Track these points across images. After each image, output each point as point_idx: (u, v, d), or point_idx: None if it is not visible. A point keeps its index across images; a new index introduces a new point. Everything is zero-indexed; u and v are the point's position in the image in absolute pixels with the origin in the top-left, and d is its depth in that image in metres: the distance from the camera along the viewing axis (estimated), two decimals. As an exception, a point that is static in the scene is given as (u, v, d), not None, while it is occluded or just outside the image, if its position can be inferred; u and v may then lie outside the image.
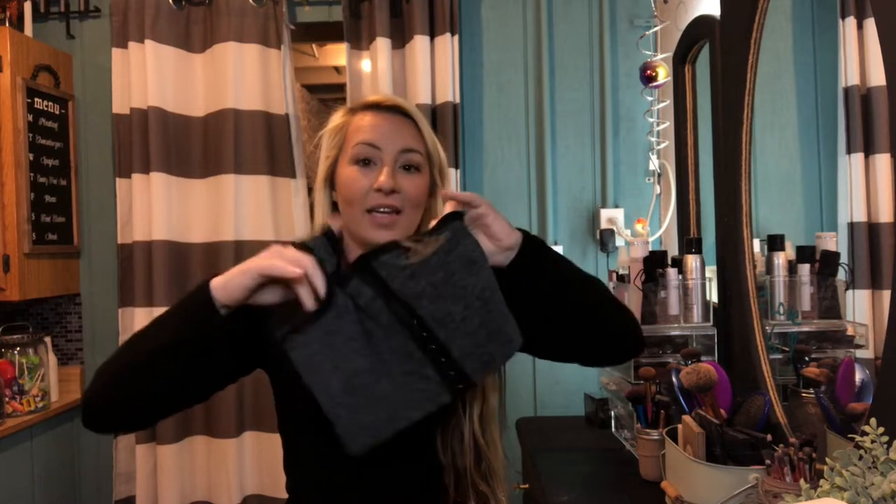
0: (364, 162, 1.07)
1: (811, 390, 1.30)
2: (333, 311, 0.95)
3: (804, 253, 1.42)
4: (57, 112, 2.58)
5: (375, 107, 1.12)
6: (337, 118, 1.15)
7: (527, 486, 1.93)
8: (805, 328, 1.41)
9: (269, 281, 0.93)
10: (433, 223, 1.03)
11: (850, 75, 1.29)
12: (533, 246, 1.06)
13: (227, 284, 0.94)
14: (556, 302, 1.06)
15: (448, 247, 1.00)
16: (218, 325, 0.94)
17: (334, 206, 1.12)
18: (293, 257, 0.92)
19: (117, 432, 1.10)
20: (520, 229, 1.07)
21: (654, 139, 2.37)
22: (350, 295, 0.97)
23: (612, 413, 1.96)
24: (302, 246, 0.98)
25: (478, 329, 0.98)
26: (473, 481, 1.11)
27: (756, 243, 1.57)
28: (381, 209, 1.04)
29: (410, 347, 0.97)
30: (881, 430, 0.84)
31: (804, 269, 1.41)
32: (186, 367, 0.97)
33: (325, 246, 1.04)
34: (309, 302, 0.92)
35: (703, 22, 1.86)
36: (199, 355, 0.97)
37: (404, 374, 0.96)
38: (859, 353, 1.28)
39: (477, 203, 1.02)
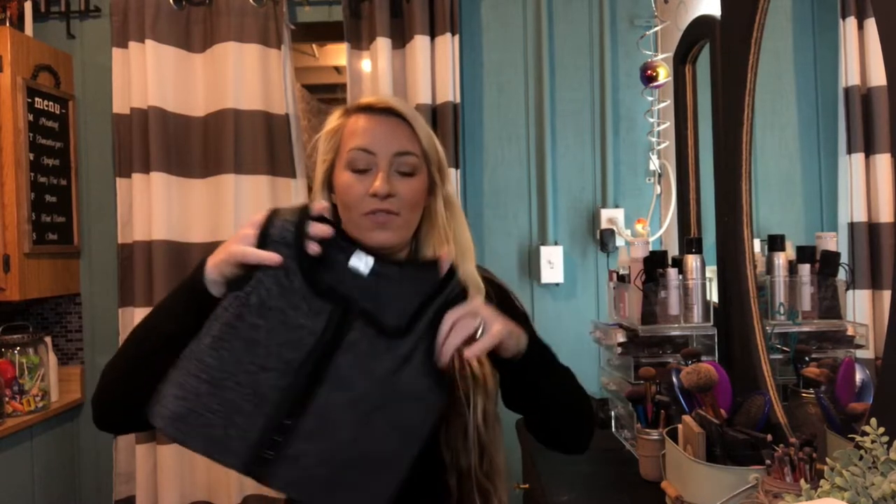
0: (359, 168, 1.07)
1: (811, 390, 1.30)
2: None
3: (804, 253, 1.42)
4: (57, 112, 2.58)
5: (368, 109, 1.11)
6: (332, 121, 1.14)
7: (527, 486, 1.93)
8: (805, 328, 1.41)
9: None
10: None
11: (850, 75, 1.29)
12: (535, 357, 1.06)
13: (217, 266, 0.94)
14: (543, 409, 1.09)
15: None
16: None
17: (334, 209, 1.11)
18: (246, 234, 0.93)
19: (129, 431, 1.13)
20: (525, 326, 1.05)
21: (654, 139, 2.37)
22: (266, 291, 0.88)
23: (612, 413, 1.96)
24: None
25: (335, 465, 0.88)
26: (477, 479, 1.10)
27: (756, 243, 1.57)
28: (378, 211, 1.04)
29: (271, 396, 0.87)
30: (881, 430, 0.84)
31: (804, 269, 1.41)
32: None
33: (290, 244, 0.93)
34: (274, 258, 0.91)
35: (703, 22, 1.86)
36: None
37: (233, 409, 0.86)
38: (859, 353, 1.28)
39: (470, 315, 0.96)
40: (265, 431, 0.86)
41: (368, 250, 0.96)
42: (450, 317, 0.92)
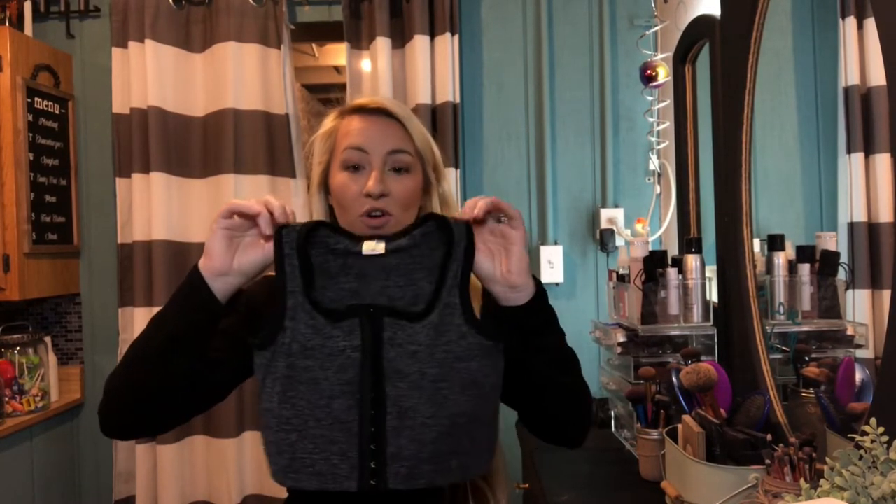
0: (353, 167, 1.08)
1: (811, 390, 1.30)
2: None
3: (804, 253, 1.42)
4: (57, 112, 2.57)
5: (362, 110, 1.12)
6: (327, 123, 1.15)
7: (527, 486, 1.93)
8: (805, 328, 1.41)
9: (245, 237, 0.97)
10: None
11: (850, 75, 1.29)
12: (543, 308, 1.03)
13: (208, 253, 0.96)
14: (542, 378, 1.04)
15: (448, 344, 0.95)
16: (214, 307, 0.97)
17: (331, 211, 1.13)
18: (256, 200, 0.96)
19: (137, 437, 1.15)
20: (535, 278, 1.04)
21: (654, 139, 2.37)
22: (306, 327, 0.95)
23: (612, 413, 1.96)
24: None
25: (432, 442, 0.93)
26: (472, 480, 1.11)
27: (756, 243, 1.57)
28: (373, 213, 1.05)
29: (350, 417, 0.93)
30: (881, 429, 0.84)
31: (804, 269, 1.41)
32: (190, 357, 0.98)
33: (297, 281, 0.98)
34: (266, 227, 0.95)
35: (703, 22, 1.86)
36: (200, 342, 0.98)
37: (326, 441, 0.93)
38: (859, 353, 1.28)
39: (513, 218, 1.00)
40: (361, 447, 0.93)
41: (373, 237, 0.99)
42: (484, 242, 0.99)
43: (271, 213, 0.97)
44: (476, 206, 0.98)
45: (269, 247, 0.96)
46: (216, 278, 0.96)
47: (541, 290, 1.04)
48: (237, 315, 1.05)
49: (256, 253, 0.98)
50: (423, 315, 0.95)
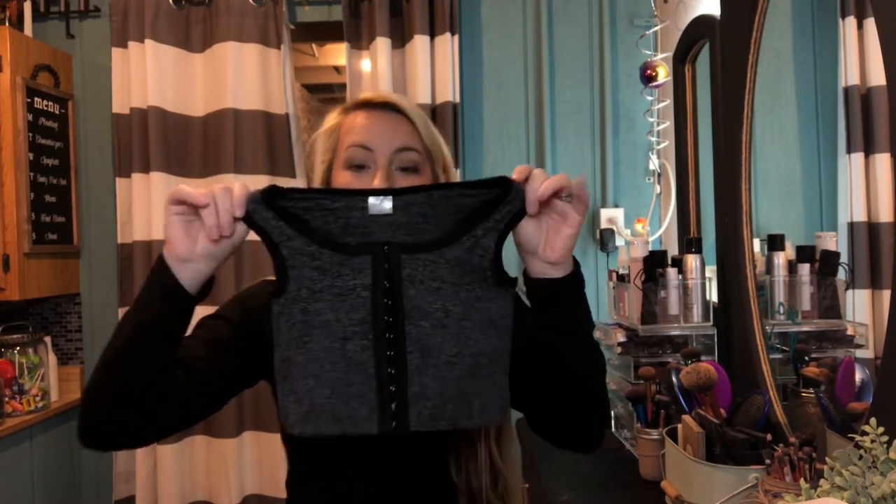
0: (358, 167, 1.02)
1: (811, 390, 1.30)
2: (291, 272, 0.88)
3: (804, 253, 1.42)
4: (57, 112, 2.57)
5: (367, 105, 1.06)
6: (330, 119, 1.09)
7: (527, 485, 1.93)
8: (805, 328, 1.41)
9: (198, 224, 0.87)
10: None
11: (850, 75, 1.29)
12: (578, 288, 0.95)
13: (168, 240, 0.87)
14: (567, 365, 0.96)
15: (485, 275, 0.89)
16: (181, 294, 0.87)
17: None
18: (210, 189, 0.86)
19: (116, 447, 1.01)
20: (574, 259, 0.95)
21: (654, 139, 2.37)
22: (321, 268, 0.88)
23: (612, 413, 1.96)
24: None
25: (456, 381, 0.88)
26: (489, 501, 1.07)
27: (756, 243, 1.57)
28: None
29: (365, 358, 0.88)
30: (881, 429, 0.84)
31: (804, 269, 1.41)
32: (161, 352, 0.89)
33: (283, 230, 0.89)
34: (212, 232, 0.85)
35: (703, 22, 1.86)
36: (170, 334, 0.90)
37: (343, 384, 0.88)
38: (859, 353, 1.28)
39: (580, 200, 0.88)
40: (381, 388, 0.87)
41: (378, 192, 0.90)
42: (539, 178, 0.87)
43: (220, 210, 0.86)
44: (540, 184, 0.86)
45: (239, 228, 0.88)
46: (181, 265, 0.87)
47: (578, 271, 0.95)
48: (230, 324, 0.99)
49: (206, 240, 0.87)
50: (444, 245, 0.88)
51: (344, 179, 1.01)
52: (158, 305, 0.88)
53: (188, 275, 0.87)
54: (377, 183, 0.99)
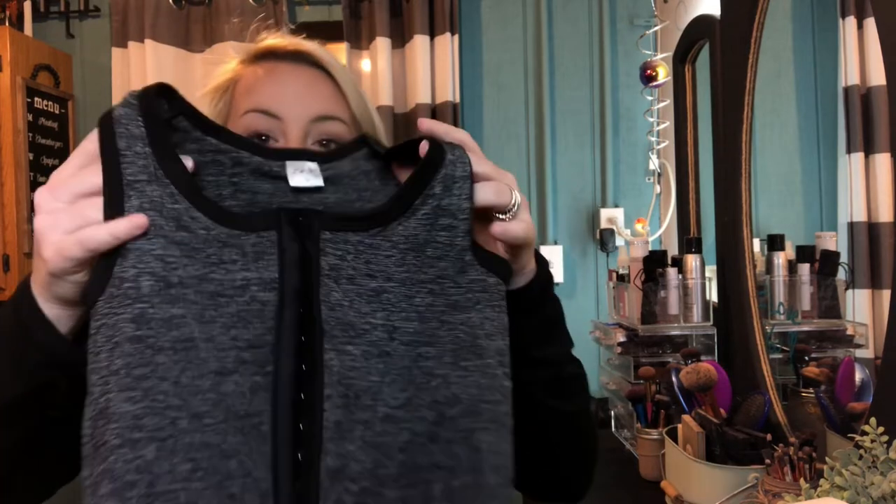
0: (261, 138, 0.73)
1: (811, 390, 1.30)
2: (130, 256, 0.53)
3: (804, 253, 1.42)
4: (57, 112, 2.57)
5: (272, 54, 0.77)
6: (222, 73, 0.79)
7: None
8: (805, 328, 1.41)
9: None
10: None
11: (850, 75, 1.29)
12: (544, 299, 0.71)
13: (53, 295, 0.57)
14: (538, 407, 0.71)
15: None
16: (76, 359, 0.55)
17: None
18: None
19: None
20: (540, 258, 0.70)
21: (654, 139, 2.37)
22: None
23: (612, 413, 1.96)
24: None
25: (403, 450, 0.54)
26: None
27: (756, 243, 1.57)
28: None
29: (256, 406, 0.52)
30: (881, 429, 0.84)
31: (804, 269, 1.41)
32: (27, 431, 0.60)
33: (142, 154, 0.55)
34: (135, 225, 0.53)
35: (703, 22, 1.86)
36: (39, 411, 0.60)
37: (216, 454, 0.51)
38: (859, 353, 1.28)
39: (472, 148, 0.63)
40: (276, 460, 0.52)
41: (296, 153, 0.62)
42: (483, 167, 0.61)
43: None
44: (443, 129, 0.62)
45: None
46: (53, 288, 0.56)
47: (544, 273, 0.69)
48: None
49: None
50: (390, 218, 0.57)
51: None
52: (28, 376, 0.58)
53: (69, 322, 0.58)
54: None
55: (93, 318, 0.53)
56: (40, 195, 0.55)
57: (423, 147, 0.60)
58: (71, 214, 0.54)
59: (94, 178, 0.55)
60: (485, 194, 0.61)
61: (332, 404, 0.54)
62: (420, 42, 2.44)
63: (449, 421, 0.56)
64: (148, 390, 0.51)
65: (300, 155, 0.61)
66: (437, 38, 2.47)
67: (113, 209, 0.53)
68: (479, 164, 0.61)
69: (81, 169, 0.56)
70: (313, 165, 0.60)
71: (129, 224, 0.53)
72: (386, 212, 0.57)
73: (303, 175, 0.59)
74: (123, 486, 0.49)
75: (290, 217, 0.56)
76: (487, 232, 0.62)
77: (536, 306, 0.69)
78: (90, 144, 0.56)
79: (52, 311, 0.57)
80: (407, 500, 0.54)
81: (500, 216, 0.62)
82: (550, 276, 0.71)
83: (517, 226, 0.62)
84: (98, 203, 0.54)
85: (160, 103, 0.57)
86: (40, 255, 0.54)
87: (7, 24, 2.52)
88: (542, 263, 0.70)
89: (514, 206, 0.62)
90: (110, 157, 0.54)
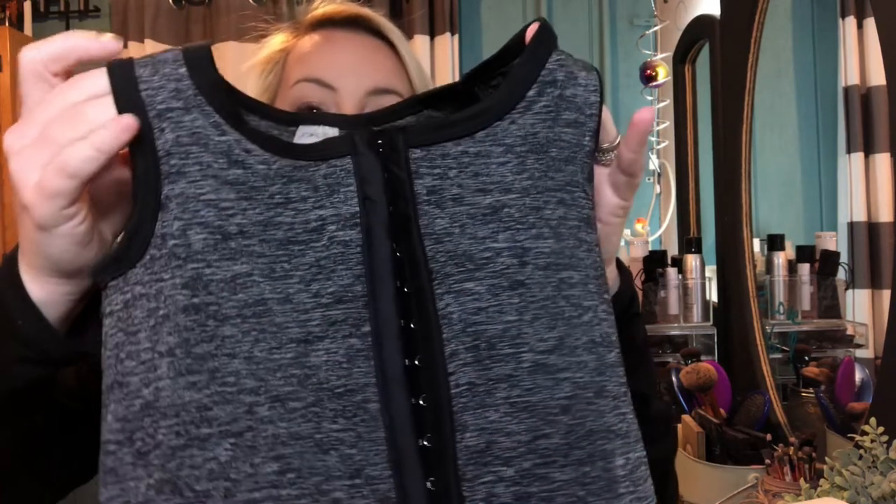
0: (310, 111, 0.66)
1: (811, 390, 1.30)
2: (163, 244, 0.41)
3: (804, 252, 1.42)
4: (57, 112, 2.57)
5: (328, 22, 0.71)
6: (273, 44, 0.74)
7: None
8: (805, 328, 1.41)
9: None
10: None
11: (850, 75, 1.29)
12: (631, 300, 0.59)
13: (44, 262, 0.43)
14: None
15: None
16: (64, 353, 0.46)
17: None
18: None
19: None
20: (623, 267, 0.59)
21: (653, 139, 2.37)
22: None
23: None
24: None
25: (565, 416, 0.41)
26: None
27: (756, 243, 1.57)
28: None
29: (359, 382, 0.40)
30: (881, 429, 0.84)
31: (804, 269, 1.41)
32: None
33: (178, 84, 0.42)
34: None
35: (703, 22, 1.86)
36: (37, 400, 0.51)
37: (309, 448, 0.39)
38: (859, 353, 1.28)
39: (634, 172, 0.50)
40: (397, 448, 0.40)
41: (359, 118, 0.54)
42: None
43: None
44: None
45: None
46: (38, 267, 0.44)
47: (630, 284, 0.58)
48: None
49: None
50: (493, 118, 0.45)
51: None
52: (10, 374, 0.47)
53: (59, 305, 0.45)
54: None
55: (120, 291, 0.41)
56: (8, 136, 0.43)
57: (531, 30, 0.47)
58: (45, 141, 0.41)
59: (74, 91, 0.42)
60: (612, 127, 0.49)
61: (459, 363, 0.41)
62: (420, 42, 2.44)
63: (611, 370, 0.43)
64: (214, 372, 0.39)
65: (352, 122, 0.50)
66: (437, 38, 2.47)
67: (140, 146, 0.41)
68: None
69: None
70: (332, 130, 0.48)
71: (116, 128, 0.40)
72: (492, 107, 0.44)
73: (313, 137, 0.48)
74: (194, 498, 0.38)
75: (366, 139, 0.43)
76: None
77: (624, 323, 0.52)
78: (86, 80, 0.42)
79: (42, 290, 0.44)
80: (586, 481, 0.40)
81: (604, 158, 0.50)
82: (636, 291, 0.61)
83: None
84: (92, 108, 0.41)
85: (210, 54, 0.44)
86: (24, 209, 0.41)
87: (7, 24, 2.51)
88: (626, 274, 0.59)
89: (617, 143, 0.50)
90: (125, 84, 0.41)
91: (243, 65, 0.74)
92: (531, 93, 0.45)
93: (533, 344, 0.41)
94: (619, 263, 0.56)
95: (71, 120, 0.41)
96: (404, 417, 0.40)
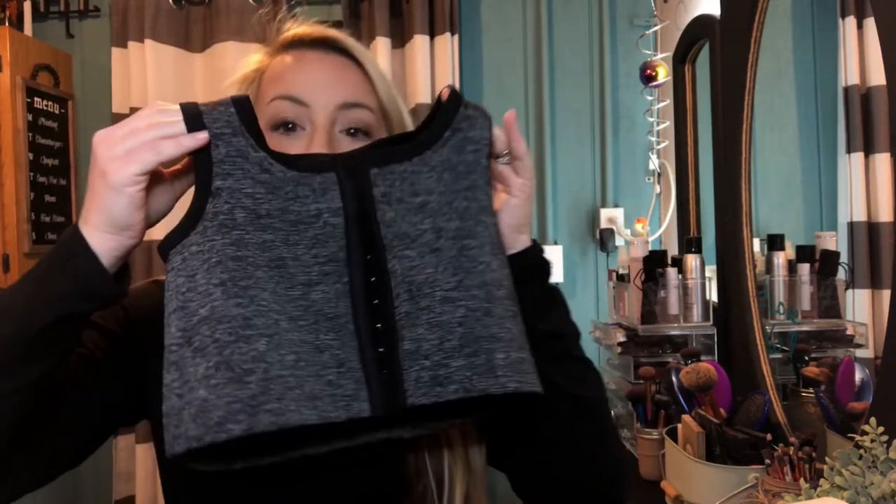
0: (287, 126, 0.75)
1: (811, 390, 1.30)
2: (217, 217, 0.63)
3: (804, 252, 1.42)
4: (57, 111, 2.57)
5: (299, 43, 0.80)
6: (249, 63, 0.84)
7: None
8: (805, 328, 1.41)
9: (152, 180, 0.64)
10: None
11: (850, 75, 1.29)
12: (540, 272, 0.75)
13: (104, 218, 0.62)
14: (551, 389, 0.68)
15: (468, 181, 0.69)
16: (104, 286, 0.62)
17: None
18: (143, 125, 0.62)
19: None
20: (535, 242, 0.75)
21: (653, 139, 2.37)
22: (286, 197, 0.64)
23: (612, 412, 1.96)
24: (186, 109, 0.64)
25: (461, 323, 0.64)
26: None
27: (756, 243, 1.57)
28: None
29: (341, 309, 0.64)
30: (881, 429, 0.84)
31: (804, 269, 1.41)
32: (42, 380, 0.62)
33: (229, 119, 0.65)
34: (169, 146, 0.62)
35: (703, 21, 1.86)
36: (65, 351, 0.65)
37: (311, 348, 0.62)
38: (859, 353, 1.28)
39: (520, 159, 0.73)
40: (364, 350, 0.63)
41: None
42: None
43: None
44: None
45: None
46: (106, 234, 0.63)
47: (538, 258, 0.74)
48: (106, 337, 0.73)
49: (167, 194, 0.68)
50: (424, 149, 0.69)
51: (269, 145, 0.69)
52: (59, 304, 0.60)
53: (109, 253, 0.62)
54: (316, 149, 0.72)
55: (178, 253, 0.64)
56: (101, 131, 0.62)
57: (445, 92, 0.72)
58: (133, 133, 0.61)
59: (173, 115, 0.63)
60: (501, 135, 0.73)
61: (400, 300, 0.65)
62: (420, 42, 2.44)
63: (498, 301, 0.66)
64: (253, 297, 0.61)
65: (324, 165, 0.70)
66: (437, 38, 2.47)
67: (201, 154, 0.64)
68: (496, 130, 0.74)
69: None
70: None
71: (194, 139, 0.62)
72: (422, 142, 0.69)
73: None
74: (243, 373, 0.58)
75: (344, 161, 0.68)
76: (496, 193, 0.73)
77: (536, 277, 0.74)
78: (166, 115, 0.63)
79: (97, 240, 0.62)
80: (472, 366, 0.63)
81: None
82: (546, 259, 0.76)
83: (525, 166, 0.73)
84: (174, 124, 0.63)
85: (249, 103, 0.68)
86: (102, 175, 0.60)
87: (7, 24, 2.52)
88: (535, 242, 0.76)
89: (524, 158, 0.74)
90: (192, 114, 0.64)
91: (224, 82, 0.88)
92: (447, 134, 0.70)
93: (442, 286, 0.65)
94: (534, 241, 0.76)
95: (156, 128, 0.61)
96: (369, 333, 0.64)
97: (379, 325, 0.64)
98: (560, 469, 0.75)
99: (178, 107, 0.64)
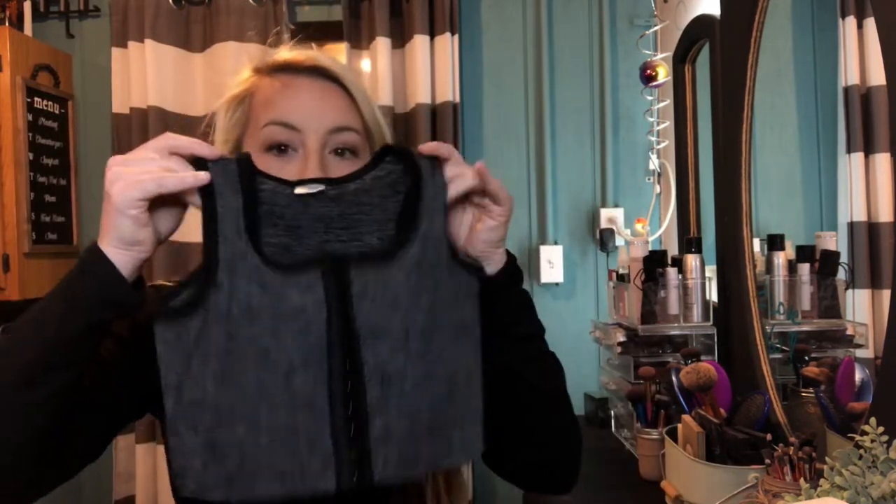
0: (280, 148, 0.81)
1: (811, 390, 1.30)
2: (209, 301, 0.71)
3: (804, 252, 1.42)
4: (57, 111, 2.57)
5: (289, 68, 0.84)
6: (239, 83, 0.86)
7: None
8: (805, 328, 1.41)
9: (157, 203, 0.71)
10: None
11: (850, 75, 1.29)
12: (515, 284, 0.83)
13: (115, 235, 0.69)
14: (520, 382, 0.82)
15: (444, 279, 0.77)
16: (126, 296, 0.70)
17: None
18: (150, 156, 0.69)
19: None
20: (508, 253, 0.84)
21: (653, 139, 2.37)
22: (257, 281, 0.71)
23: (612, 413, 1.96)
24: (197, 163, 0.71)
25: (429, 411, 0.74)
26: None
27: (756, 243, 1.57)
28: None
29: (317, 395, 0.71)
30: (881, 429, 0.84)
31: (804, 269, 1.41)
32: (70, 385, 0.70)
33: (230, 176, 0.72)
34: (173, 181, 0.69)
35: (703, 21, 1.86)
36: (88, 359, 0.72)
37: (287, 431, 0.70)
38: (859, 353, 1.28)
39: (500, 204, 0.80)
40: (335, 433, 0.71)
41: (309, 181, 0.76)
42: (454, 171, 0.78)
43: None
44: (454, 176, 0.76)
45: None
46: (122, 249, 0.70)
47: (512, 267, 0.82)
48: (116, 340, 0.80)
49: (172, 217, 0.74)
50: (395, 251, 0.74)
51: (263, 165, 0.76)
52: (87, 311, 0.69)
53: (124, 267, 0.69)
54: (311, 172, 0.80)
55: (176, 327, 0.70)
56: (115, 157, 0.69)
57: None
58: (141, 162, 0.68)
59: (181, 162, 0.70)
60: (455, 188, 0.77)
61: (371, 386, 0.72)
62: (420, 42, 2.44)
63: (460, 386, 0.76)
64: (239, 386, 0.70)
65: (314, 181, 0.76)
66: (437, 38, 2.47)
67: (210, 243, 0.72)
68: (451, 169, 0.78)
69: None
70: (318, 185, 0.76)
71: (195, 178, 0.69)
72: (391, 250, 0.75)
73: (305, 186, 0.75)
74: (223, 456, 0.69)
75: (328, 263, 0.74)
76: (474, 233, 0.80)
77: (511, 285, 0.82)
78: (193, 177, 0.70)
79: (113, 253, 0.68)
80: (435, 448, 0.73)
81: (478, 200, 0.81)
82: (519, 269, 0.84)
83: (494, 184, 0.81)
84: (178, 162, 0.70)
85: (251, 162, 0.74)
86: (108, 198, 0.67)
87: (7, 24, 2.52)
88: (511, 256, 0.83)
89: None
90: (210, 214, 0.72)
91: (223, 87, 0.89)
92: (411, 237, 0.75)
93: (411, 376, 0.73)
94: (508, 253, 0.83)
95: (162, 161, 0.69)
96: (342, 417, 0.72)
97: (351, 410, 0.72)
98: (533, 452, 0.85)
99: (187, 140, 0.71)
